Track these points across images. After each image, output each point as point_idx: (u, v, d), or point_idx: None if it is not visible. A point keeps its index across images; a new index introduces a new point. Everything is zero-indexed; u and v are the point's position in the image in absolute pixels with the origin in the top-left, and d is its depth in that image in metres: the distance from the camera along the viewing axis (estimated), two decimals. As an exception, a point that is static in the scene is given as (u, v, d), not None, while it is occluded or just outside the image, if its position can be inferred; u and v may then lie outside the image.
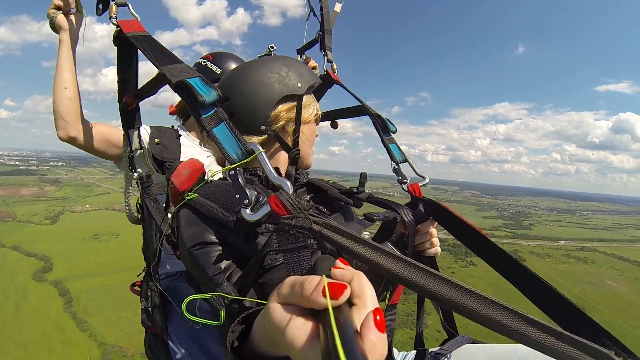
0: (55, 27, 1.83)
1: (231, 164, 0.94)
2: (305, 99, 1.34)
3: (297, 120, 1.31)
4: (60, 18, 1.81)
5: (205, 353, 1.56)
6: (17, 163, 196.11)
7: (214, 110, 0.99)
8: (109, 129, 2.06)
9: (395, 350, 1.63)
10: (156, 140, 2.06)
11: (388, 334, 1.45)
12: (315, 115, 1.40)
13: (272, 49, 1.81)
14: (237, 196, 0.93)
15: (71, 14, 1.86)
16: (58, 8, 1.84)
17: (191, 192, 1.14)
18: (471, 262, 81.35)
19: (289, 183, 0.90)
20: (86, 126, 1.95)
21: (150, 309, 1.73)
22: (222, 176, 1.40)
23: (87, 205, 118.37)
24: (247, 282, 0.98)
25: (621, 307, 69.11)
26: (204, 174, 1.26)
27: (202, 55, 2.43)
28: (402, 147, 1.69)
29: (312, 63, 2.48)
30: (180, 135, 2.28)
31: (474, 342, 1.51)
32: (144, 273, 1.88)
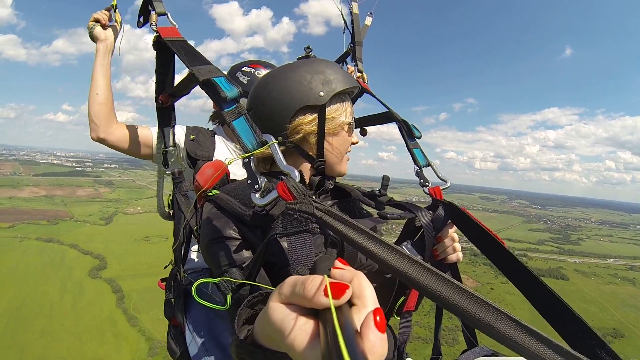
0: (93, 38, 1.97)
1: (246, 153, 0.96)
2: (331, 108, 1.27)
3: (320, 133, 1.25)
4: (98, 30, 1.97)
5: (217, 344, 1.61)
6: (73, 164, 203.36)
7: (235, 105, 1.02)
8: (140, 130, 2.12)
9: None
10: (191, 136, 2.10)
11: (401, 340, 1.49)
12: (346, 125, 1.33)
13: (308, 51, 1.77)
14: (249, 181, 0.95)
15: (109, 26, 2.02)
16: (97, 21, 1.99)
17: (214, 190, 1.17)
18: (511, 278, 76.85)
19: (296, 171, 0.90)
20: (118, 128, 2.03)
21: (172, 300, 1.78)
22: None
23: (139, 208, 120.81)
24: (254, 268, 0.98)
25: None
26: (227, 174, 1.28)
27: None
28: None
29: (350, 68, 2.46)
30: (215, 134, 2.31)
31: (492, 354, 1.45)
32: (171, 266, 1.93)
